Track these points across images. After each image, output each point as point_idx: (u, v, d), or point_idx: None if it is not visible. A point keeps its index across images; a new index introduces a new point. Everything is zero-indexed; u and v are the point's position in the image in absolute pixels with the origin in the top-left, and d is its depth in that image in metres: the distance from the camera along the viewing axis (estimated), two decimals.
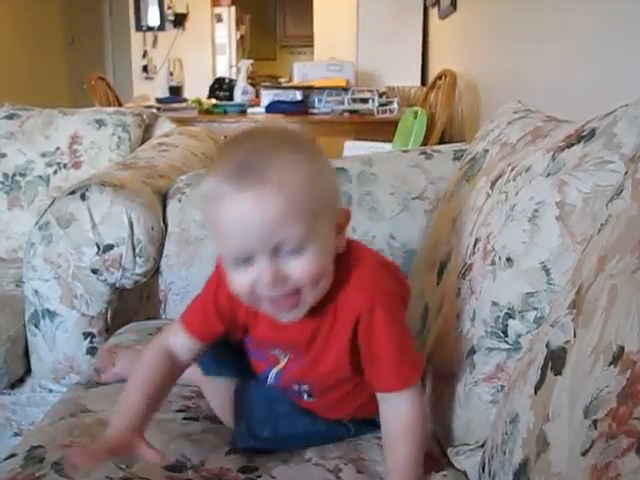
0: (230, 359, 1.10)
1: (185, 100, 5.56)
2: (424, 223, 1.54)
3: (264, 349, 1.04)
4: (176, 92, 6.38)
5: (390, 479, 0.94)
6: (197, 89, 6.10)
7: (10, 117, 2.34)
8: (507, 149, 1.28)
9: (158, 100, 5.55)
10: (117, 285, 1.57)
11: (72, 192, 1.57)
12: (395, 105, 3.84)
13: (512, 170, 1.14)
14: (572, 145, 1.01)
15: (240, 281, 0.88)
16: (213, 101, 4.29)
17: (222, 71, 6.81)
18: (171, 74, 6.46)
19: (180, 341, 1.02)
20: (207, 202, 0.87)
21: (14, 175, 2.22)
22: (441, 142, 3.31)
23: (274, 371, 1.04)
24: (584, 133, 1.01)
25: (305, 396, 1.04)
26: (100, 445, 0.89)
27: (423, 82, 4.71)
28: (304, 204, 0.84)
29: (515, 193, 1.08)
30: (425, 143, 3.18)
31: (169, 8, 6.49)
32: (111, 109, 2.41)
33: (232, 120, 3.82)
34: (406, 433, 0.93)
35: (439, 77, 3.47)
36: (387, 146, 3.12)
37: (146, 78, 6.59)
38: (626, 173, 0.88)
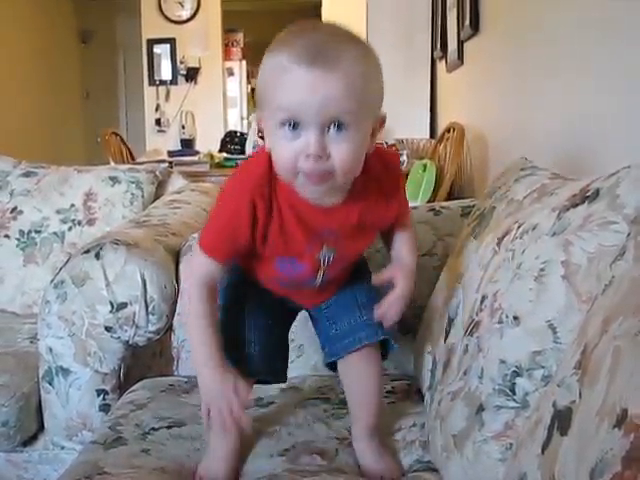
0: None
1: (197, 153, 5.64)
2: (433, 279, 1.55)
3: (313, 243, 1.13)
4: (188, 145, 6.46)
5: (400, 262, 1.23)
6: (209, 141, 6.19)
7: (27, 175, 2.39)
8: (514, 206, 1.30)
9: (170, 153, 5.63)
10: (130, 342, 1.59)
11: (87, 251, 1.60)
12: (404, 158, 3.88)
13: (519, 228, 1.16)
14: (577, 205, 1.03)
15: (285, 151, 0.98)
16: (224, 155, 4.36)
17: (233, 123, 6.92)
18: (183, 127, 6.55)
19: (212, 272, 1.12)
20: (270, 72, 0.97)
21: (30, 232, 2.26)
22: (450, 194, 3.35)
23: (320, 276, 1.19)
24: (588, 193, 1.03)
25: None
26: (238, 400, 1.06)
27: (432, 135, 4.77)
28: (360, 94, 0.95)
29: (522, 251, 1.10)
30: (434, 195, 3.21)
31: (181, 63, 6.62)
32: (125, 166, 2.46)
33: None
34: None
35: (447, 130, 3.52)
36: None
37: (159, 131, 6.70)
38: (629, 235, 0.90)
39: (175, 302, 1.63)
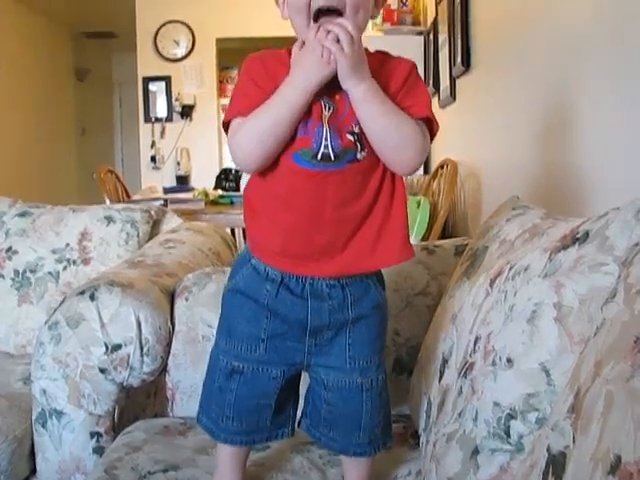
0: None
1: (192, 189, 5.67)
2: (427, 318, 1.56)
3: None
4: (183, 181, 6.50)
5: None
6: (204, 178, 6.23)
7: (23, 215, 2.39)
8: (506, 246, 1.32)
9: (165, 190, 5.67)
10: (125, 384, 1.58)
11: (81, 292, 1.60)
12: None
13: (511, 269, 1.17)
14: (567, 247, 1.05)
15: None
16: (219, 192, 4.38)
17: (228, 159, 6.94)
18: (178, 164, 6.59)
19: None
20: None
21: (25, 272, 2.26)
22: (444, 229, 3.36)
23: (325, 125, 1.12)
24: (578, 235, 1.04)
25: (357, 144, 1.14)
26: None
27: (426, 170, 4.79)
28: None
29: (514, 293, 1.10)
30: (429, 231, 3.23)
31: (177, 100, 6.67)
32: (120, 206, 2.46)
33: (238, 212, 3.88)
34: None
35: (441, 166, 3.54)
36: None
37: (154, 168, 6.72)
38: (619, 276, 0.91)
39: (169, 343, 1.63)
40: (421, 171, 4.75)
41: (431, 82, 4.57)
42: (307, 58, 1.09)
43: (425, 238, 3.25)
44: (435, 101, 4.53)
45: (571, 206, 1.92)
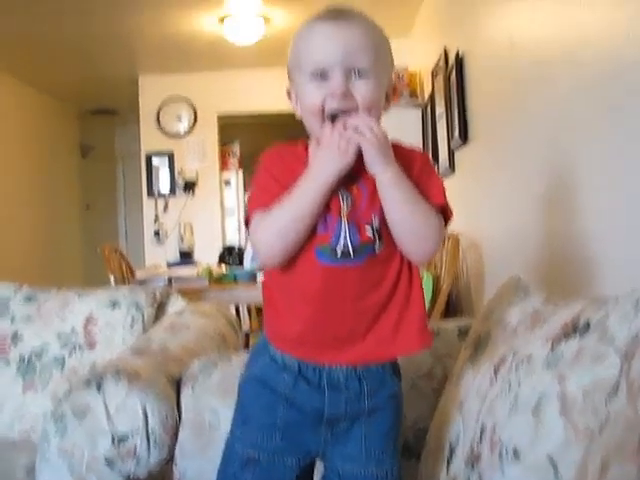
0: None
1: (195, 264, 5.71)
2: (432, 401, 1.56)
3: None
4: (187, 256, 6.53)
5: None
6: (207, 252, 6.27)
7: (28, 300, 2.41)
8: (508, 332, 1.33)
9: (169, 264, 5.70)
10: (131, 476, 1.57)
11: (88, 382, 1.60)
12: None
13: (514, 357, 1.18)
14: (569, 337, 1.06)
15: (315, 95, 1.15)
16: (223, 268, 4.40)
17: (231, 233, 7.01)
18: (181, 238, 6.64)
19: None
20: (300, 36, 1.19)
21: (30, 357, 2.26)
22: (448, 301, 3.37)
23: (344, 220, 1.16)
24: (579, 325, 1.06)
25: (375, 237, 1.17)
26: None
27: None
28: (375, 48, 1.16)
29: (518, 383, 1.11)
30: (433, 305, 3.24)
31: (179, 175, 6.76)
32: (125, 289, 2.47)
33: (242, 288, 3.90)
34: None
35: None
36: None
37: (157, 242, 6.77)
38: (621, 369, 0.92)
39: (176, 433, 1.63)
40: None
41: (430, 153, 4.65)
42: (324, 152, 1.14)
43: (429, 313, 3.25)
44: None
45: (571, 276, 1.94)
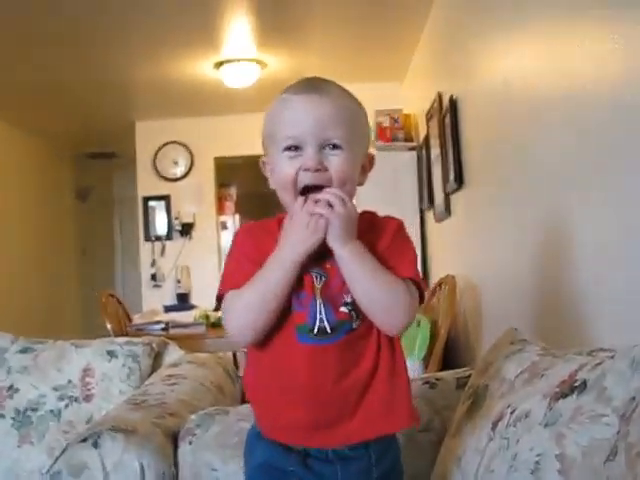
0: None
1: (192, 307, 5.69)
2: (430, 455, 1.54)
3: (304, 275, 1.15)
4: (184, 299, 6.52)
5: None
6: (204, 295, 6.24)
7: (24, 351, 2.39)
8: (506, 386, 1.33)
9: (166, 308, 5.69)
10: None
11: (84, 439, 1.59)
12: None
13: (512, 413, 1.18)
14: (566, 395, 1.06)
15: (288, 168, 1.15)
16: (220, 314, 4.37)
17: None
18: (178, 281, 6.63)
19: None
20: (274, 109, 1.20)
21: (26, 410, 2.24)
22: (446, 343, 3.36)
23: (318, 298, 1.15)
24: (576, 383, 1.06)
25: (352, 313, 1.16)
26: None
27: (424, 280, 4.83)
28: (349, 120, 1.16)
29: (516, 441, 1.11)
30: (431, 349, 3.23)
31: (176, 218, 6.78)
32: (122, 340, 2.46)
33: None
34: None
35: (439, 284, 3.58)
36: None
37: (154, 286, 6.76)
38: (619, 432, 0.91)
39: None
40: None
41: (426, 196, 4.68)
42: (293, 230, 1.13)
43: (426, 358, 3.24)
44: (431, 215, 4.62)
45: (567, 320, 1.94)
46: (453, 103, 3.57)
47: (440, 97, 3.94)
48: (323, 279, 1.16)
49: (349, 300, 1.15)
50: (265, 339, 1.17)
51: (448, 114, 3.64)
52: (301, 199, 1.14)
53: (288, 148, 1.15)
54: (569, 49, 1.90)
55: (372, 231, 1.19)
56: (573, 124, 1.89)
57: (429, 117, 4.35)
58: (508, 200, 2.67)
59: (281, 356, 1.17)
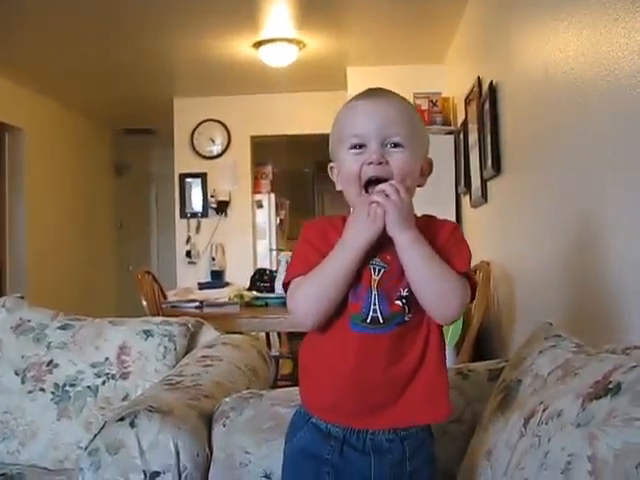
0: None
1: (227, 284, 5.74)
2: (462, 445, 1.56)
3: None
4: (218, 276, 6.58)
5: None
6: (238, 273, 6.32)
7: (64, 327, 2.45)
8: (539, 382, 1.33)
9: (200, 285, 5.74)
10: None
11: (121, 418, 1.63)
12: None
13: (544, 411, 1.19)
14: (600, 397, 1.06)
15: (353, 164, 1.24)
16: (254, 293, 4.42)
17: (262, 255, 7.04)
18: (213, 259, 6.69)
19: None
20: (340, 114, 1.30)
21: (64, 385, 2.30)
22: (479, 333, 3.36)
23: (374, 289, 1.21)
24: (611, 385, 1.06)
25: (405, 307, 1.22)
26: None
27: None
28: (409, 123, 1.26)
29: (547, 439, 1.11)
30: (463, 336, 3.23)
31: (212, 196, 6.83)
32: (158, 319, 2.51)
33: (273, 316, 3.92)
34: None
35: (473, 271, 3.57)
36: None
37: (189, 262, 6.83)
38: None
39: (207, 470, 1.65)
40: None
41: (462, 181, 4.65)
42: (356, 222, 1.21)
43: (459, 344, 3.25)
44: (467, 200, 4.60)
45: (601, 312, 1.93)
46: (493, 89, 3.54)
47: (480, 82, 3.90)
48: (382, 271, 1.23)
49: (405, 294, 1.22)
50: (324, 326, 1.24)
51: (487, 100, 3.60)
52: (365, 195, 1.22)
53: (354, 146, 1.25)
54: (614, 38, 1.87)
55: (429, 230, 1.25)
56: (615, 114, 1.86)
57: (468, 101, 4.31)
58: (546, 189, 2.65)
59: (335, 341, 1.24)
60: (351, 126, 1.26)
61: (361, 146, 1.24)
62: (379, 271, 1.22)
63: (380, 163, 1.22)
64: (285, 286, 1.30)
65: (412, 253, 1.19)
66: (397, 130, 1.23)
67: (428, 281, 1.20)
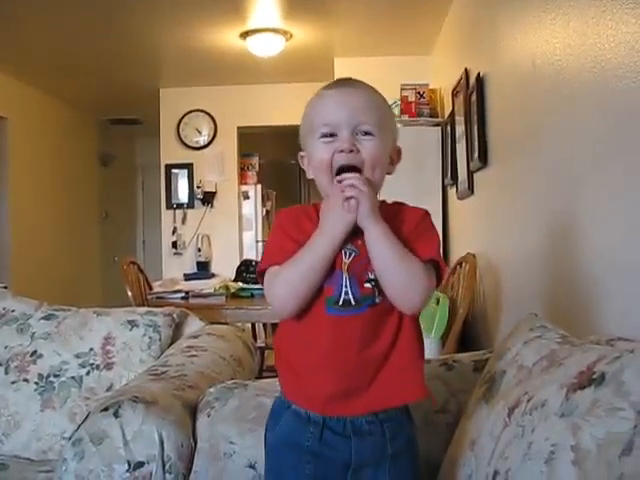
0: None
1: (212, 275, 5.73)
2: (446, 436, 1.56)
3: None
4: (204, 267, 6.57)
5: None
6: (224, 264, 6.31)
7: (48, 318, 2.44)
8: (523, 373, 1.34)
9: (186, 276, 5.73)
10: None
11: (105, 409, 1.63)
12: None
13: (528, 401, 1.19)
14: (584, 387, 1.07)
15: (324, 153, 1.26)
16: (240, 284, 4.41)
17: (248, 246, 7.03)
18: (199, 250, 6.67)
19: None
20: (310, 104, 1.32)
21: (48, 376, 2.29)
22: (464, 325, 3.36)
23: (345, 272, 1.23)
24: (594, 376, 1.06)
25: (375, 289, 1.24)
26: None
27: (445, 262, 4.81)
28: (378, 112, 1.28)
29: (531, 429, 1.12)
30: (448, 327, 3.24)
31: (198, 187, 6.80)
32: (143, 309, 2.50)
33: (258, 307, 3.92)
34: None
35: (459, 263, 3.57)
36: None
37: (175, 253, 6.81)
38: (635, 427, 0.92)
39: (191, 460, 1.64)
40: None
41: (449, 173, 4.65)
42: (332, 210, 1.22)
43: (445, 335, 3.25)
44: (453, 192, 4.60)
45: (586, 302, 1.93)
46: (480, 80, 3.53)
47: (467, 73, 3.90)
48: (353, 255, 1.25)
49: (372, 277, 1.24)
50: (301, 312, 1.26)
51: (474, 91, 3.60)
52: (337, 183, 1.24)
53: (324, 135, 1.27)
54: (601, 30, 1.87)
55: (397, 218, 1.28)
56: (602, 105, 1.87)
57: (455, 93, 4.31)
58: (532, 181, 2.65)
59: (310, 326, 1.26)
60: (322, 115, 1.28)
61: (332, 135, 1.26)
62: (350, 255, 1.24)
63: (351, 151, 1.24)
64: (260, 274, 1.31)
65: (379, 247, 1.22)
66: (367, 119, 1.26)
67: (393, 273, 1.22)
